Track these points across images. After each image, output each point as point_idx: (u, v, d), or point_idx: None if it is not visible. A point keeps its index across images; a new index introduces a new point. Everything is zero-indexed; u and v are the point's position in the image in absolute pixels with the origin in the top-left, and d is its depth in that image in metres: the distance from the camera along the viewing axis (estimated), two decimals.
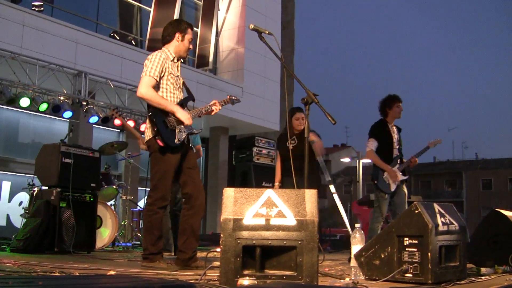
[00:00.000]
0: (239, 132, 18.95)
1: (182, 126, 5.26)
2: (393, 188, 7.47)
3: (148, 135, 5.29)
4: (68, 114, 11.16)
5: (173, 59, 5.47)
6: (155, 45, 15.60)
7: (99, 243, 8.48)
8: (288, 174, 6.81)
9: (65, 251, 7.27)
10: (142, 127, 11.74)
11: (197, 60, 17.83)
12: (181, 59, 5.62)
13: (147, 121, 5.32)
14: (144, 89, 5.16)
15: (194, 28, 18.34)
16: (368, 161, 32.10)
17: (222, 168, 18.60)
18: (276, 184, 7.56)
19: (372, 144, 7.54)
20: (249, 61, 17.93)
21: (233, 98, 5.89)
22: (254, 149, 10.13)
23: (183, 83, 5.61)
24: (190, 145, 5.54)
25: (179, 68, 5.57)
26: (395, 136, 7.66)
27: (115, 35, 14.83)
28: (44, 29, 12.16)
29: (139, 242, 10.05)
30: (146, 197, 5.34)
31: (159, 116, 5.19)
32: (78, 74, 11.74)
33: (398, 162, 7.56)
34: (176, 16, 15.82)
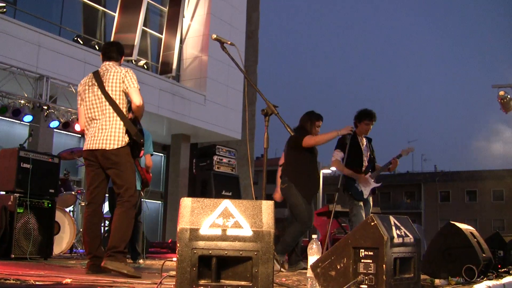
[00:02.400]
0: (201, 140, 18.96)
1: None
2: (365, 195, 7.58)
3: (123, 141, 5.45)
4: (28, 118, 11.05)
5: None
6: None
7: (56, 250, 8.39)
8: None
9: (22, 258, 7.19)
10: None
11: (160, 66, 17.81)
12: None
13: (118, 127, 5.49)
14: (140, 99, 5.41)
15: (158, 34, 18.36)
16: (328, 171, 32.51)
17: (183, 176, 18.57)
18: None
19: (338, 155, 7.62)
20: (213, 69, 17.97)
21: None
22: (215, 157, 10.12)
23: None
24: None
25: None
26: (363, 146, 7.77)
27: (78, 39, 14.73)
28: (6, 31, 12.03)
29: None
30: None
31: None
32: (39, 77, 11.62)
33: (370, 170, 7.69)
34: (140, 21, 15.77)
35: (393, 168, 7.90)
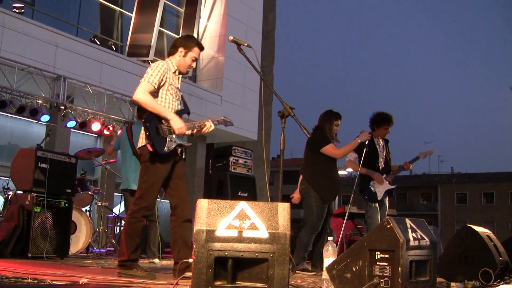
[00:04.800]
0: (217, 141, 18.96)
1: (174, 136, 5.23)
2: (379, 196, 7.57)
3: (141, 142, 5.28)
4: (45, 118, 11.12)
5: (175, 72, 5.46)
6: (135, 51, 15.61)
7: (73, 249, 8.44)
8: None
9: (39, 257, 7.24)
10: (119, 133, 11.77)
11: None
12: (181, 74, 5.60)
13: (142, 128, 5.30)
14: (140, 93, 5.13)
15: (174, 35, 18.39)
16: (344, 172, 32.33)
17: (199, 176, 18.59)
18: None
19: (351, 155, 7.63)
20: (229, 70, 17.98)
21: (227, 120, 5.92)
22: (231, 158, 10.13)
23: (182, 96, 5.61)
24: (183, 156, 5.51)
25: (179, 81, 5.56)
26: (380, 148, 7.76)
27: (95, 39, 14.80)
28: (24, 31, 12.10)
29: (113, 249, 10.00)
30: (132, 203, 5.33)
31: (152, 123, 5.17)
32: (57, 78, 11.69)
33: (386, 172, 7.68)
34: (157, 22, 15.83)
35: (407, 168, 7.87)
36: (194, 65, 5.56)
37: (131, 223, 5.24)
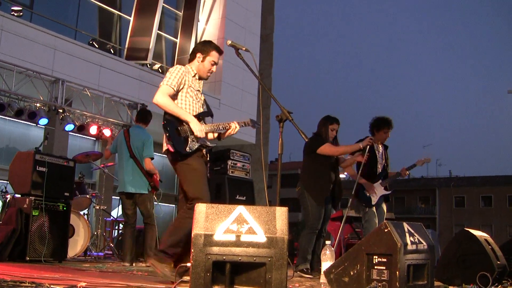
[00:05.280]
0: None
1: (194, 136, 5.21)
2: (374, 201, 7.60)
3: (164, 145, 5.28)
4: (44, 121, 11.11)
5: (194, 75, 5.43)
6: (133, 54, 15.62)
7: (71, 252, 8.45)
8: None
9: (37, 260, 7.25)
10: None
11: None
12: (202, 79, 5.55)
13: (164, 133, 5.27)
14: (160, 97, 5.11)
15: (173, 38, 18.41)
16: (342, 176, 32.44)
17: None
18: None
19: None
20: (227, 73, 17.98)
21: (255, 121, 5.71)
22: (229, 162, 10.13)
23: (204, 100, 5.58)
24: (208, 159, 5.45)
25: (200, 85, 5.52)
26: (379, 154, 7.80)
27: (94, 43, 14.80)
28: (23, 34, 12.11)
29: (111, 252, 10.00)
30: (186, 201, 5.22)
31: (172, 124, 5.13)
32: (55, 81, 11.68)
33: (382, 178, 7.70)
34: (155, 25, 15.83)
35: (404, 175, 7.89)
36: (214, 69, 5.47)
37: (183, 218, 5.14)
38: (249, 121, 5.67)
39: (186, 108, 5.29)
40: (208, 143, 5.32)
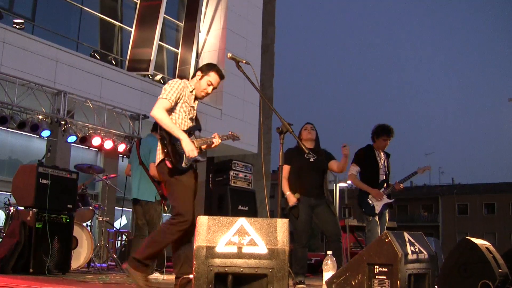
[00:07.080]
0: (217, 154, 18.97)
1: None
2: (377, 210, 7.61)
3: (158, 158, 5.32)
4: (46, 133, 11.15)
5: (192, 91, 5.50)
6: (135, 66, 15.67)
7: (74, 264, 8.46)
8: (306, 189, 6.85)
9: (40, 272, 7.27)
10: (120, 148, 11.84)
11: None
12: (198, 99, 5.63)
13: (158, 144, 5.36)
14: (157, 110, 5.18)
15: (174, 49, 18.47)
16: (344, 184, 32.50)
17: (199, 190, 18.48)
18: (297, 194, 6.79)
19: (353, 169, 7.73)
20: (229, 83, 17.99)
21: (235, 135, 5.94)
22: (231, 172, 10.18)
23: (196, 114, 5.63)
24: (196, 169, 5.54)
25: (195, 102, 5.59)
26: (381, 161, 7.82)
27: (95, 54, 14.85)
28: (25, 47, 12.16)
29: (114, 264, 10.01)
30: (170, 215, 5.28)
31: (169, 140, 5.20)
32: (57, 93, 11.72)
33: (384, 186, 7.73)
34: (157, 36, 15.87)
35: (396, 190, 7.87)
36: (209, 90, 5.53)
37: (163, 232, 5.21)
38: (230, 135, 5.94)
39: (178, 121, 5.36)
40: (200, 158, 5.38)
